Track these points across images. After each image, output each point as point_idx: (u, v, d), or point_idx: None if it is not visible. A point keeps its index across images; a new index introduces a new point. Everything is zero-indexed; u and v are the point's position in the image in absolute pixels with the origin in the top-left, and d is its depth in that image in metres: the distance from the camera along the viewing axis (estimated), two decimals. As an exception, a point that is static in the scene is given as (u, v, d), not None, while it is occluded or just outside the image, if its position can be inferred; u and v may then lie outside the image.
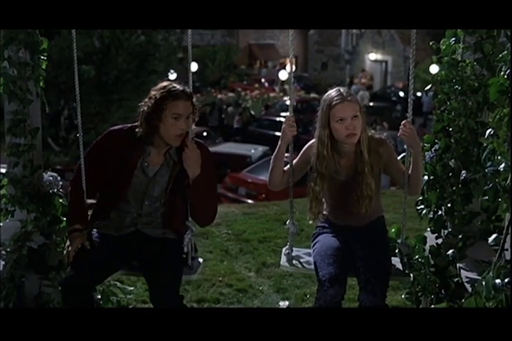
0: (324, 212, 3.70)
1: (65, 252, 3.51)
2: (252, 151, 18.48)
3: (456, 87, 3.58)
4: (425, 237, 3.71)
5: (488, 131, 2.68)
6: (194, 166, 3.46)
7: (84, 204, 3.63)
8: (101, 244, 3.51)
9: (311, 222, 3.72)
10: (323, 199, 3.66)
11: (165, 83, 3.48)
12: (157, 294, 3.31)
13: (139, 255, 3.51)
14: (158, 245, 3.52)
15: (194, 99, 3.49)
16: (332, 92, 3.49)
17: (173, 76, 26.24)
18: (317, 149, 3.55)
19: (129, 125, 3.61)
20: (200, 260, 3.73)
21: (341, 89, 3.49)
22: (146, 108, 3.46)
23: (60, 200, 3.88)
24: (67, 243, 3.52)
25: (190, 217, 3.62)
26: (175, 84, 3.47)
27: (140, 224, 3.57)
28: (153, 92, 3.46)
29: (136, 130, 3.51)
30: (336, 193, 3.61)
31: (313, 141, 3.64)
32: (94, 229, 3.60)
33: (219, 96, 30.08)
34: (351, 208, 3.55)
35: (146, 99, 3.48)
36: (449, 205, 3.66)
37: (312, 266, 3.56)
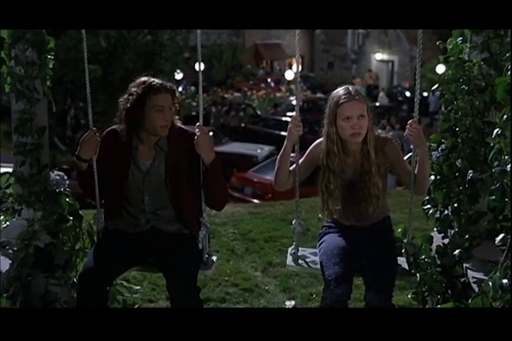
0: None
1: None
2: (258, 151, 18.43)
3: (463, 86, 3.57)
4: (432, 237, 3.71)
5: (495, 131, 2.68)
6: (207, 150, 3.50)
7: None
8: (118, 241, 3.58)
9: (327, 219, 3.72)
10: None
11: (144, 78, 3.57)
12: (175, 286, 3.35)
13: (156, 251, 3.56)
14: (174, 240, 3.57)
15: (176, 94, 3.60)
16: (340, 90, 3.49)
17: (179, 75, 26.31)
18: (326, 146, 3.55)
19: (114, 127, 3.70)
20: (214, 258, 3.77)
21: (350, 88, 3.48)
22: (128, 105, 3.53)
23: (67, 199, 3.89)
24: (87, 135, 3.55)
25: (203, 213, 3.66)
26: (154, 79, 3.56)
27: (153, 221, 3.63)
28: (133, 89, 3.54)
29: (119, 129, 3.62)
30: (342, 192, 3.60)
31: (319, 140, 3.64)
32: (111, 227, 3.67)
33: (225, 95, 30.08)
34: (359, 208, 3.55)
35: (126, 96, 3.56)
36: (455, 205, 3.65)
37: (318, 266, 3.56)
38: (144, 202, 3.62)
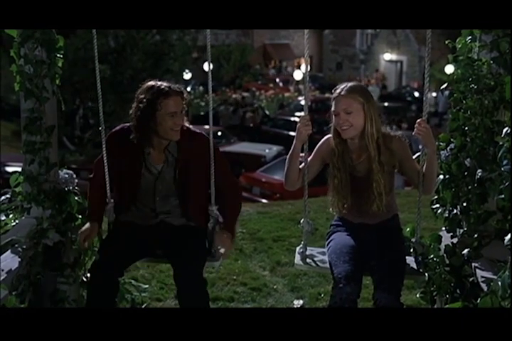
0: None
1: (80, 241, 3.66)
2: (267, 151, 18.44)
3: (472, 85, 3.56)
4: (440, 236, 3.70)
5: (504, 130, 2.67)
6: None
7: (103, 204, 3.76)
8: (127, 232, 3.65)
9: (337, 214, 3.73)
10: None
11: (151, 83, 3.54)
12: (181, 275, 3.40)
13: (164, 242, 3.62)
14: (182, 231, 3.64)
15: (185, 94, 3.56)
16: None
17: (187, 75, 26.35)
18: (333, 141, 3.61)
19: (128, 124, 3.68)
20: (222, 250, 3.74)
21: (348, 84, 3.55)
22: (138, 112, 3.50)
23: (76, 198, 3.90)
24: (85, 227, 3.67)
25: (212, 207, 3.72)
26: (161, 83, 3.53)
27: (162, 215, 3.68)
28: (141, 96, 3.50)
29: (132, 136, 3.58)
30: (351, 189, 3.60)
31: (326, 137, 3.66)
32: (121, 219, 3.74)
33: (233, 96, 30.09)
34: (365, 207, 3.56)
35: (135, 104, 3.53)
36: (464, 204, 3.64)
37: (326, 265, 3.56)
38: (155, 202, 3.68)
